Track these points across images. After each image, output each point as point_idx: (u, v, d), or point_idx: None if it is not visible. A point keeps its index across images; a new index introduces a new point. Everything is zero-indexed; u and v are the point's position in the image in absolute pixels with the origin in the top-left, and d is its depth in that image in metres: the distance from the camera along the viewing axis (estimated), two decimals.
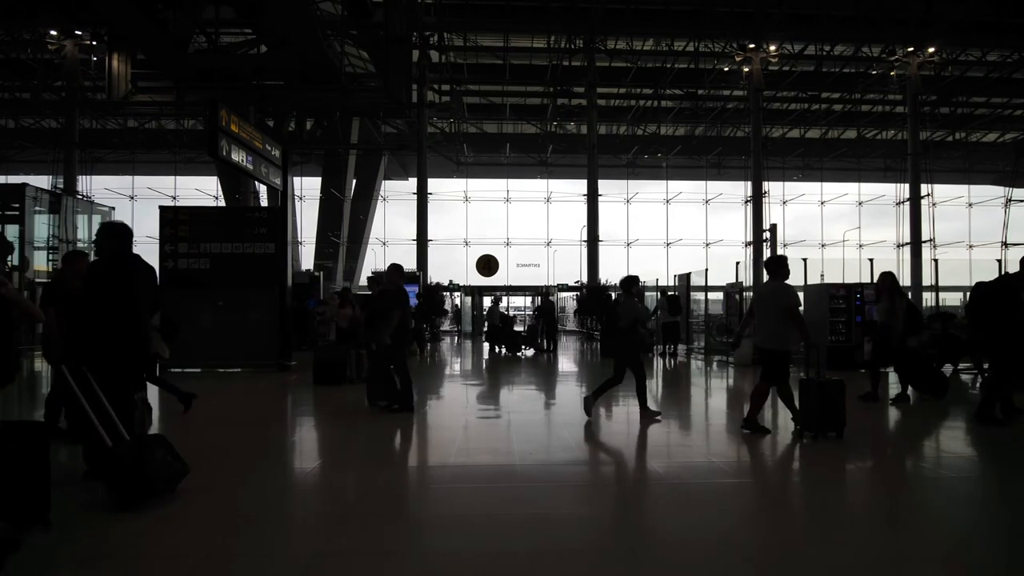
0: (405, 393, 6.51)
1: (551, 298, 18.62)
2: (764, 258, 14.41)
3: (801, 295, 13.62)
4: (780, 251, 11.76)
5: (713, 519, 3.35)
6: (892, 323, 7.00)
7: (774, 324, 5.45)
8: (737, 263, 13.86)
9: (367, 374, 6.49)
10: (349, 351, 8.88)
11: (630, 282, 6.77)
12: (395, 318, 6.37)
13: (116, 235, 3.98)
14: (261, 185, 17.65)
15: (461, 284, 25.39)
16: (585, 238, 22.77)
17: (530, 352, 15.35)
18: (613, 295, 18.25)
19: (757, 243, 20.09)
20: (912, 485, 4.23)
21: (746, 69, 20.68)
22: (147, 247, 25.12)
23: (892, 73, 22.12)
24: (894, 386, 7.94)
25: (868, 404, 6.99)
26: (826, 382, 5.27)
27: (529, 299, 25.04)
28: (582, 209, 23.57)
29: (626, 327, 6.36)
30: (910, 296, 17.53)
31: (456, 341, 22.11)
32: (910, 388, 7.41)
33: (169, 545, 3.03)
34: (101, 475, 3.54)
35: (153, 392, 6.54)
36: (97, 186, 22.85)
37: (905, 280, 20.46)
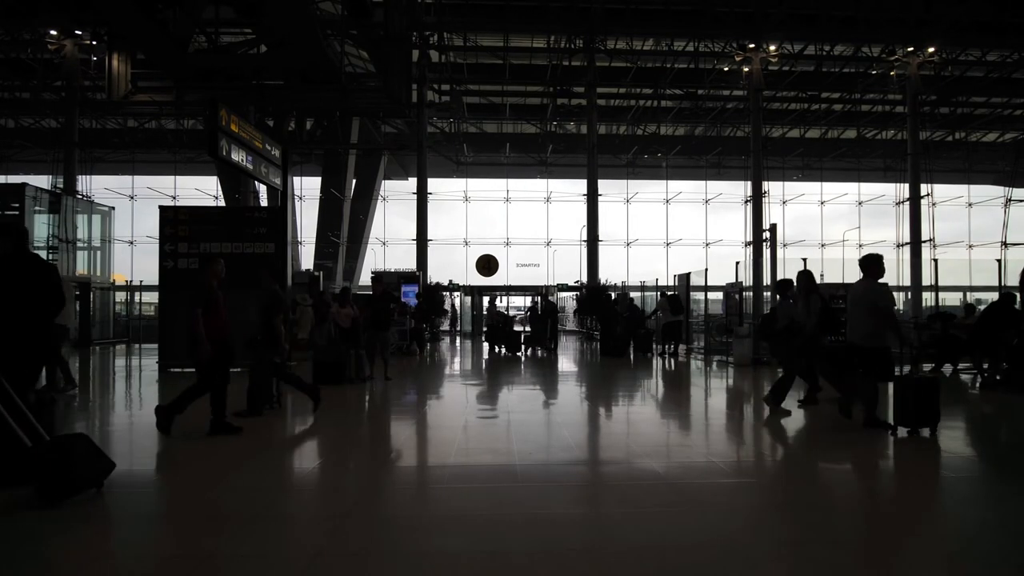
0: (254, 396, 6.25)
1: (551, 298, 18.65)
2: (758, 259, 14.42)
3: None
4: (780, 251, 11.79)
5: (722, 520, 3.36)
6: (805, 322, 6.83)
7: (871, 323, 5.53)
8: (737, 263, 13.85)
9: (249, 384, 6.23)
10: (349, 351, 8.89)
11: (785, 285, 6.94)
12: (277, 325, 6.26)
13: (9, 234, 3.99)
14: (261, 185, 17.67)
15: (461, 284, 25.39)
16: (585, 238, 22.77)
17: (537, 352, 15.35)
18: (613, 295, 18.30)
19: (757, 243, 20.08)
20: None
21: (746, 69, 20.68)
22: (147, 247, 25.24)
23: (892, 73, 22.12)
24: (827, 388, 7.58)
25: (810, 406, 6.87)
26: (922, 379, 5.33)
27: (527, 299, 25.02)
28: (582, 209, 23.58)
29: (782, 328, 6.61)
30: (915, 295, 17.45)
31: (451, 341, 22.11)
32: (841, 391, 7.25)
33: (171, 546, 3.03)
34: (20, 478, 3.53)
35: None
36: (97, 186, 22.85)
37: (905, 280, 20.49)
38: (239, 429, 5.36)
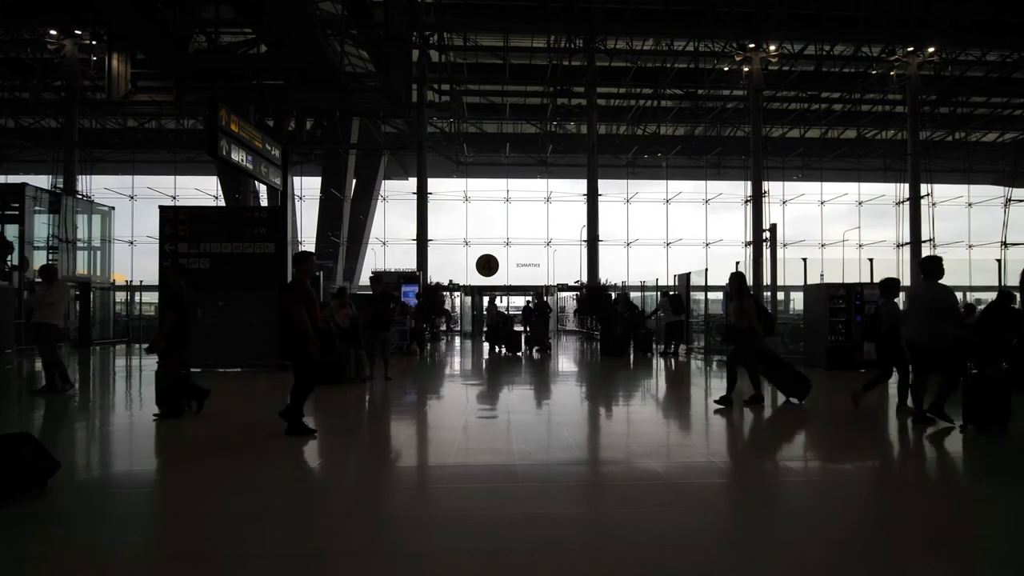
0: (170, 397, 6.12)
1: (544, 299, 18.70)
2: (758, 259, 14.41)
3: (800, 295, 13.69)
4: (780, 251, 11.80)
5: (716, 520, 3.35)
6: (741, 325, 6.89)
7: (935, 323, 5.65)
8: (737, 263, 13.87)
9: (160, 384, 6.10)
10: (349, 351, 8.89)
11: (890, 286, 6.92)
12: (171, 319, 6.07)
13: None
14: (261, 185, 17.67)
15: (461, 284, 25.40)
16: (585, 238, 22.77)
17: (535, 351, 15.36)
18: (613, 295, 18.30)
19: (757, 243, 20.08)
20: None
21: (746, 69, 20.68)
22: (147, 247, 25.25)
23: (892, 73, 22.13)
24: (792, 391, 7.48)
25: (723, 407, 6.83)
26: (993, 377, 5.41)
27: (527, 299, 25.07)
28: (582, 209, 23.59)
29: (888, 328, 6.59)
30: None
31: (449, 341, 22.10)
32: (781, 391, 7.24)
33: (175, 544, 3.03)
34: None
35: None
36: (97, 186, 22.88)
37: (905, 280, 20.48)
38: (314, 431, 5.44)
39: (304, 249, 5.66)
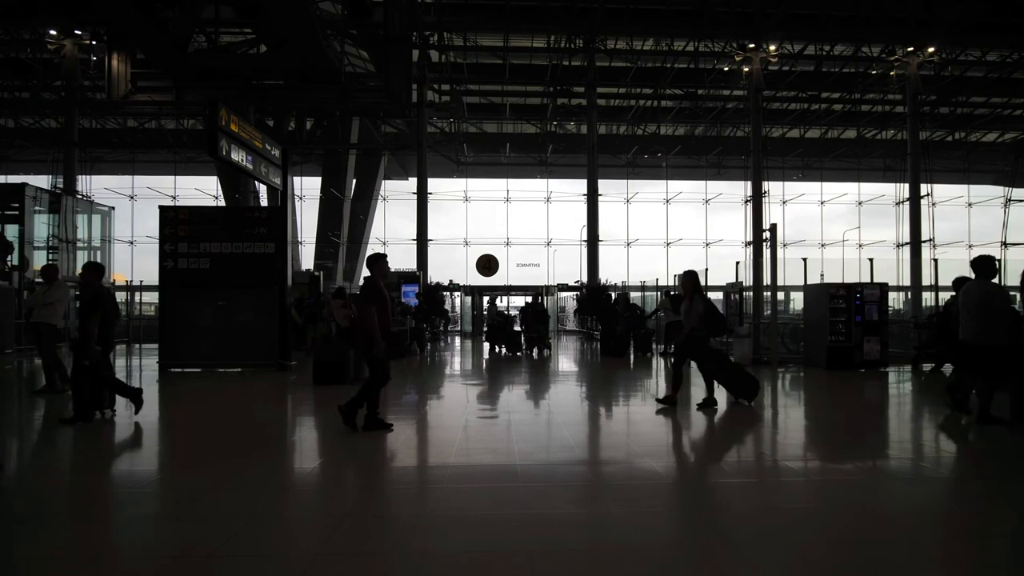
0: (82, 401, 5.94)
1: (541, 299, 18.72)
2: (758, 259, 14.41)
3: (800, 295, 13.68)
4: (780, 251, 11.77)
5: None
6: (689, 324, 6.81)
7: (986, 322, 5.71)
8: (737, 263, 13.87)
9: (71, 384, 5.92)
10: (348, 351, 8.88)
11: (961, 284, 6.82)
12: (91, 326, 5.93)
13: None
14: (261, 185, 17.67)
15: (461, 284, 25.40)
16: (585, 238, 22.77)
17: (534, 352, 15.35)
18: (613, 295, 18.30)
19: (757, 243, 20.07)
20: None
21: (746, 69, 20.68)
22: (147, 247, 25.25)
23: (892, 73, 22.12)
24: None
25: (666, 407, 6.77)
26: None
27: (524, 299, 25.08)
28: (582, 209, 23.59)
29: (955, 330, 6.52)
30: (915, 295, 17.42)
31: (447, 340, 22.10)
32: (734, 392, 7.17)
33: (176, 544, 3.03)
34: None
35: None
36: (97, 186, 22.86)
37: (905, 280, 20.49)
38: (391, 425, 5.58)
39: (378, 251, 5.74)
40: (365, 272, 5.85)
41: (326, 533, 3.10)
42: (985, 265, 5.91)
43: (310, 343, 13.81)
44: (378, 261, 5.69)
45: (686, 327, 6.92)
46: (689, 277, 6.96)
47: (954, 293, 7.18)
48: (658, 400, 6.98)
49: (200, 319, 10.47)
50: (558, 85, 23.45)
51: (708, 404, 6.82)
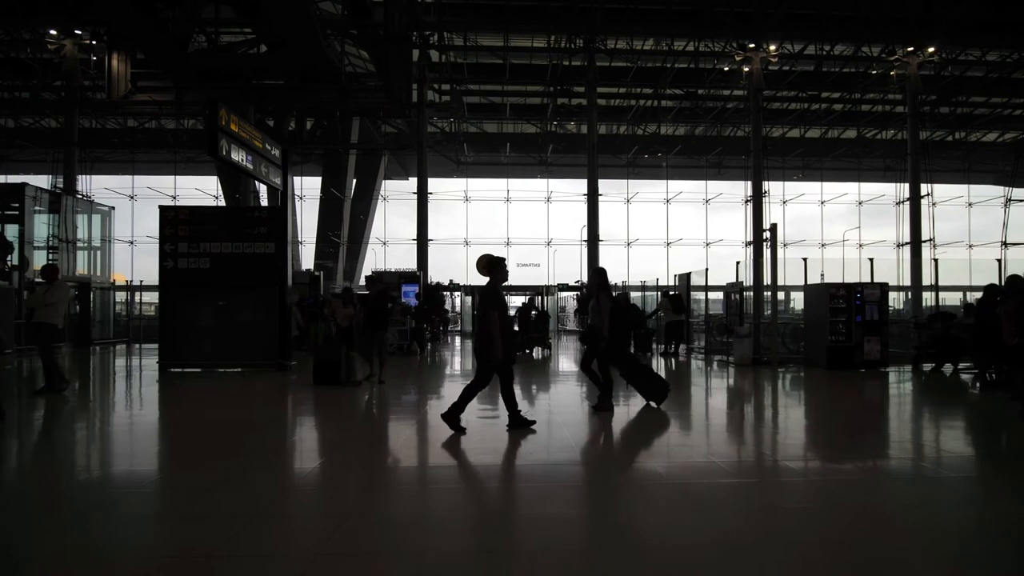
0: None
1: (533, 300, 18.80)
2: (758, 259, 14.43)
3: (800, 295, 13.68)
4: (780, 251, 11.75)
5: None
6: (596, 324, 6.61)
7: None
8: (737, 263, 13.86)
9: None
10: (342, 352, 8.77)
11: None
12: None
13: None
14: (261, 185, 17.66)
15: (461, 284, 25.39)
16: (585, 238, 22.76)
17: (534, 352, 15.35)
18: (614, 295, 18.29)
19: (757, 243, 20.06)
20: None
21: (746, 69, 20.66)
22: (147, 247, 25.25)
23: (892, 73, 22.10)
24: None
25: (601, 413, 6.49)
26: None
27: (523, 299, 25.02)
28: (582, 209, 23.58)
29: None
30: (915, 295, 17.40)
31: (448, 341, 22.09)
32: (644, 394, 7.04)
33: (176, 544, 3.03)
34: None
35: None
36: (97, 186, 22.85)
37: (905, 280, 20.47)
38: (534, 422, 5.64)
39: (498, 255, 5.72)
40: (440, 277, 5.86)
41: (326, 533, 3.09)
42: None
43: (312, 343, 13.82)
44: (498, 266, 5.68)
45: (593, 325, 6.69)
46: (596, 274, 6.80)
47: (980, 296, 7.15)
48: (594, 408, 6.65)
49: (200, 319, 10.47)
50: (558, 85, 23.44)
51: (602, 408, 6.54)
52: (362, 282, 25.14)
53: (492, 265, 5.67)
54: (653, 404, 6.88)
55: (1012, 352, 6.96)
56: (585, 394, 8.57)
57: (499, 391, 5.72)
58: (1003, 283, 7.21)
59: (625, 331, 6.92)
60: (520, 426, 5.58)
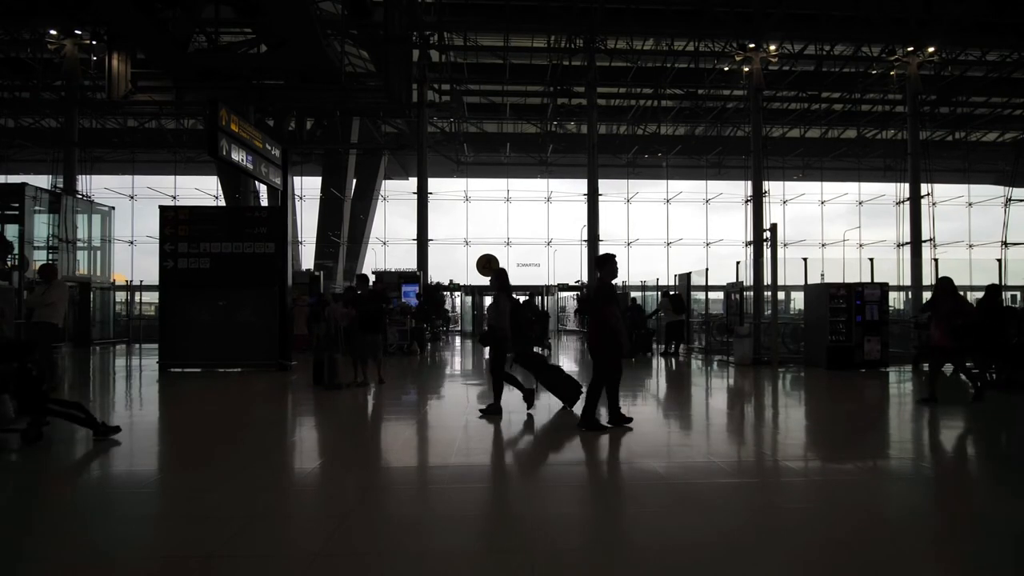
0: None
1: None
2: (758, 259, 14.43)
3: (800, 295, 13.68)
4: (780, 251, 11.75)
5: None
6: (498, 325, 6.50)
7: None
8: (737, 263, 13.85)
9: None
10: (327, 353, 8.54)
11: None
12: None
13: None
14: (261, 185, 17.65)
15: (461, 284, 25.39)
16: (585, 238, 22.74)
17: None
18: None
19: (757, 243, 20.05)
20: None
21: (746, 69, 20.66)
22: (147, 247, 25.24)
23: (892, 73, 22.10)
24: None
25: (489, 417, 6.34)
26: None
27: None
28: (582, 209, 23.56)
29: None
30: (915, 295, 17.40)
31: (446, 341, 22.08)
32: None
33: (176, 544, 3.03)
34: None
35: None
36: (97, 186, 22.83)
37: (905, 280, 20.47)
38: (631, 419, 5.68)
39: (607, 252, 5.76)
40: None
41: (326, 533, 3.09)
42: None
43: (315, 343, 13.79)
44: (609, 262, 5.73)
45: (494, 327, 6.58)
46: (497, 276, 6.64)
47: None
48: (481, 412, 6.48)
49: (200, 319, 10.46)
50: (558, 85, 23.43)
51: (492, 411, 6.42)
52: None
53: (601, 261, 5.74)
54: (566, 406, 6.70)
55: (1012, 352, 6.97)
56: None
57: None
58: (934, 284, 7.33)
59: (524, 332, 6.78)
60: (619, 423, 5.62)
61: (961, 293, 7.56)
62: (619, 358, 5.63)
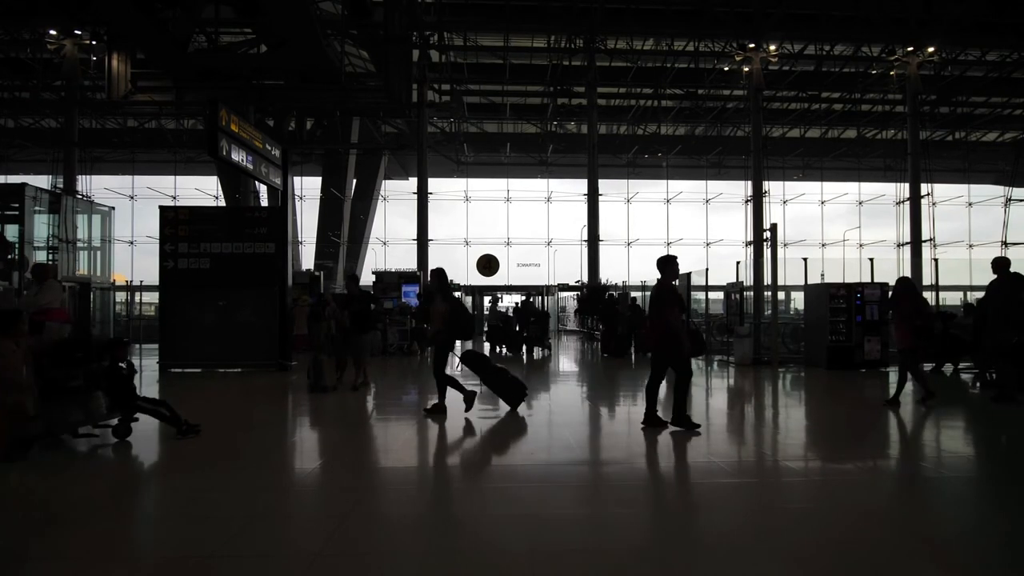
0: None
1: (531, 300, 18.84)
2: (758, 259, 14.44)
3: (800, 295, 13.68)
4: (780, 251, 11.75)
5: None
6: (436, 325, 6.50)
7: None
8: (737, 263, 13.86)
9: None
10: (314, 355, 8.47)
11: None
12: None
13: None
14: (261, 185, 17.65)
15: (461, 284, 25.38)
16: (585, 238, 22.73)
17: (535, 351, 15.35)
18: (614, 295, 18.29)
19: (757, 243, 20.03)
20: None
21: (746, 69, 20.65)
22: (147, 247, 25.24)
23: (892, 73, 22.09)
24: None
25: (435, 415, 6.35)
26: None
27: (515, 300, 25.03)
28: (582, 209, 23.55)
29: None
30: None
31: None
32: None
33: (176, 544, 3.03)
34: None
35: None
36: (97, 186, 22.81)
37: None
38: (698, 425, 5.53)
39: (669, 253, 5.76)
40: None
41: (326, 533, 3.09)
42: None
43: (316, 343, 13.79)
44: (671, 263, 5.69)
45: (431, 330, 6.52)
46: (435, 276, 6.57)
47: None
48: (424, 411, 6.52)
49: (200, 319, 10.47)
50: (558, 85, 23.43)
51: (436, 411, 6.42)
52: (364, 281, 25.12)
53: (664, 262, 5.69)
54: (510, 407, 6.64)
55: (1012, 352, 6.97)
56: (585, 394, 8.58)
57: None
58: (895, 284, 7.32)
59: (458, 334, 6.64)
60: (684, 425, 5.50)
61: (961, 294, 7.57)
62: (687, 359, 5.56)
